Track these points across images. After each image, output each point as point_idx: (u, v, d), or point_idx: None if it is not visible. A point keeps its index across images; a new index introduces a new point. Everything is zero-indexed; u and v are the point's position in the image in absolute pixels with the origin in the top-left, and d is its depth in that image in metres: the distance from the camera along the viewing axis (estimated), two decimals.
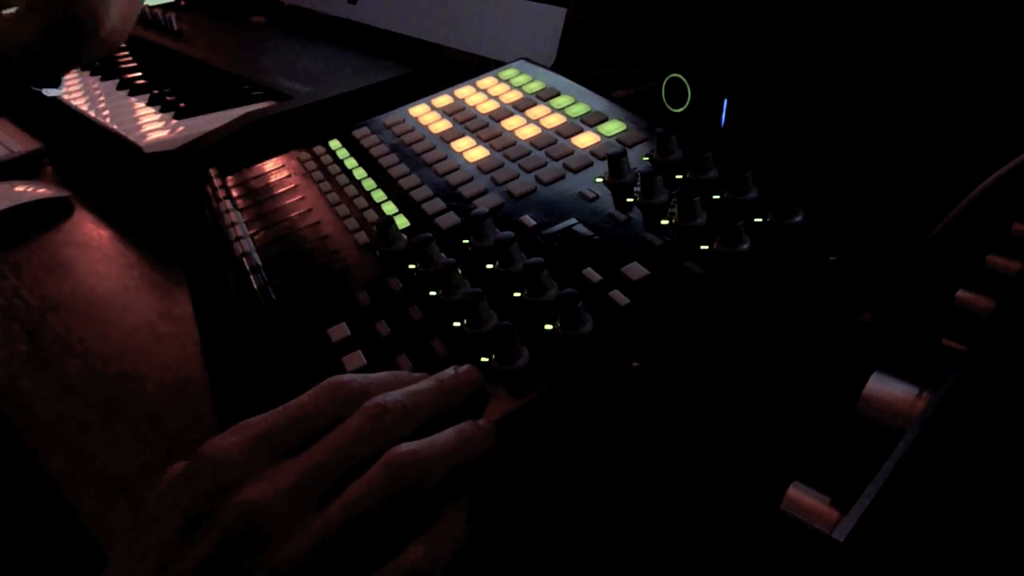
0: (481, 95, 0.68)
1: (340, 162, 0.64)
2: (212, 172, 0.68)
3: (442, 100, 0.69)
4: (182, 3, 1.31)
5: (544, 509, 0.37)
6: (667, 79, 0.63)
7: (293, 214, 0.59)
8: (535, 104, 0.63)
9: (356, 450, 0.31)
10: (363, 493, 0.29)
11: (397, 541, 0.30)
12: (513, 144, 0.59)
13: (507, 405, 0.36)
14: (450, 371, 0.36)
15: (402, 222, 0.54)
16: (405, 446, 0.31)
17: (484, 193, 0.54)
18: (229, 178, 0.67)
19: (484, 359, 0.39)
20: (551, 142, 0.57)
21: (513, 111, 0.63)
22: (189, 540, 0.28)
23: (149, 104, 0.90)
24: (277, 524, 0.28)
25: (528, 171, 0.55)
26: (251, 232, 0.58)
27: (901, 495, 0.26)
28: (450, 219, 0.52)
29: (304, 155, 0.67)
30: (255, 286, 0.51)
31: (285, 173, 0.65)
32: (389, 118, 0.69)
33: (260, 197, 0.63)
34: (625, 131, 0.56)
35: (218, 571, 0.28)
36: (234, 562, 0.28)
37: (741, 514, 0.34)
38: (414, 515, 0.30)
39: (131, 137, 0.79)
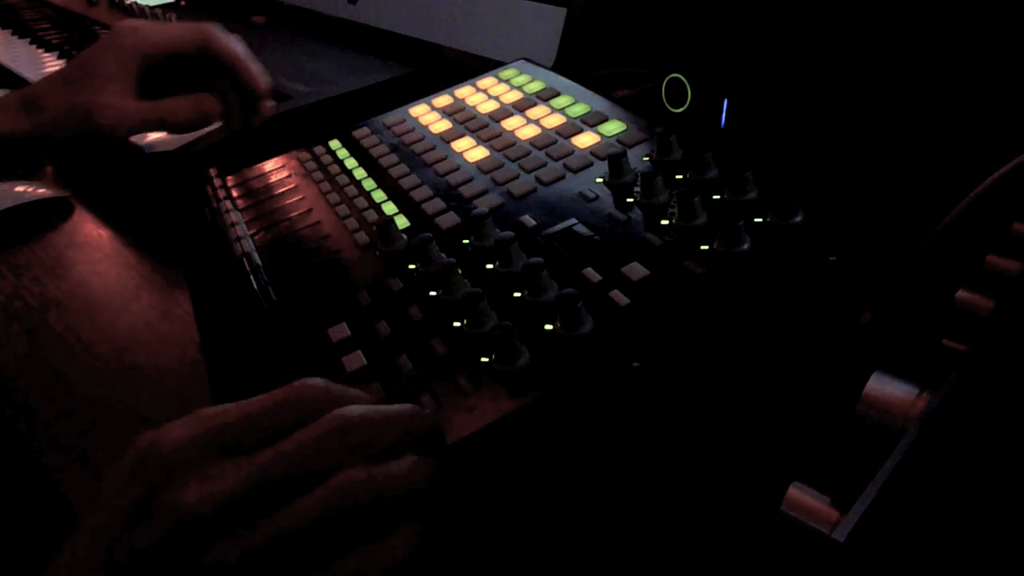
0: (481, 95, 0.68)
1: (340, 162, 0.64)
2: (212, 172, 0.68)
3: (442, 100, 0.69)
4: (182, 3, 1.32)
5: (544, 509, 0.37)
6: (667, 79, 0.63)
7: (293, 214, 0.59)
8: (535, 104, 0.63)
9: (309, 463, 0.30)
10: (307, 511, 0.29)
11: (339, 549, 0.29)
12: (513, 144, 0.59)
13: (507, 405, 0.36)
14: (409, 406, 0.34)
15: (402, 222, 0.54)
16: (359, 472, 0.30)
17: (484, 193, 0.54)
18: (229, 178, 0.67)
19: (484, 359, 0.39)
20: (551, 142, 0.57)
21: (513, 111, 0.63)
22: (131, 533, 0.28)
23: None
24: (213, 527, 0.28)
25: (528, 171, 0.55)
26: (251, 232, 0.58)
27: (901, 495, 0.26)
28: (450, 219, 0.52)
29: (304, 155, 0.67)
30: (255, 286, 0.51)
31: (285, 173, 0.65)
32: (389, 118, 0.69)
33: (260, 197, 0.63)
34: (625, 131, 0.56)
35: (152, 569, 0.28)
36: (167, 562, 0.28)
37: (741, 514, 0.34)
38: (360, 531, 0.30)
39: (131, 137, 0.79)
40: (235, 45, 0.68)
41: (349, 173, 0.62)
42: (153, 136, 0.79)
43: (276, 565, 0.28)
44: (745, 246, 0.41)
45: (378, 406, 0.32)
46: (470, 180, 0.56)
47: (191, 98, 0.66)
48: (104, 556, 0.28)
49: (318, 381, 0.32)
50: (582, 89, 0.63)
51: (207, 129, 0.71)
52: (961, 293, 0.32)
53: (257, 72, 0.68)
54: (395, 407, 0.33)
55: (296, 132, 0.74)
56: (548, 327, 0.39)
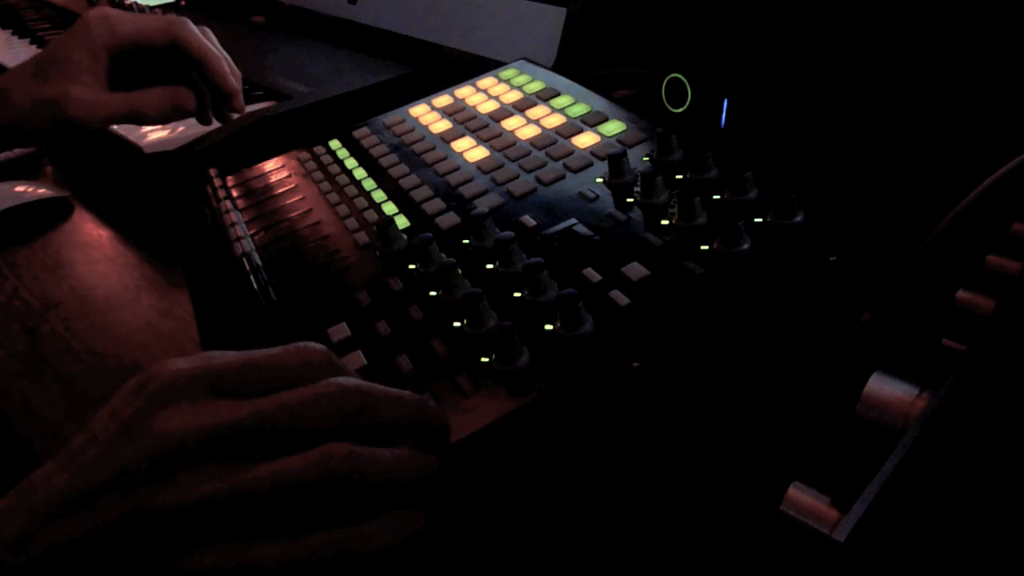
0: (481, 95, 0.68)
1: (340, 162, 0.64)
2: (212, 172, 0.68)
3: (442, 100, 0.69)
4: (182, 3, 1.32)
5: (544, 509, 0.37)
6: (667, 79, 0.63)
7: (293, 214, 0.59)
8: (535, 104, 0.63)
9: (300, 419, 0.29)
10: (287, 473, 0.28)
11: (306, 525, 0.29)
12: (513, 144, 0.59)
13: (507, 405, 0.36)
14: (418, 396, 0.34)
15: (402, 222, 0.54)
16: (344, 445, 0.29)
17: (484, 193, 0.54)
18: (229, 178, 0.67)
19: (484, 359, 0.39)
20: (551, 142, 0.57)
21: (513, 111, 0.63)
22: (113, 451, 0.28)
23: None
24: (187, 461, 0.28)
25: (528, 171, 0.55)
26: (251, 232, 0.58)
27: (901, 495, 0.26)
28: (450, 219, 0.52)
29: (304, 155, 0.67)
30: (255, 286, 0.51)
31: (285, 173, 0.65)
32: (389, 118, 0.69)
33: (260, 197, 0.63)
34: (625, 131, 0.56)
35: (125, 488, 0.28)
36: (137, 487, 0.27)
37: (741, 514, 0.34)
38: (335, 510, 0.29)
39: (131, 137, 0.79)
40: (205, 41, 0.66)
41: (349, 173, 0.62)
42: (153, 136, 0.79)
43: (239, 519, 0.28)
44: (745, 246, 0.41)
45: (380, 387, 0.32)
46: (470, 180, 0.56)
47: (165, 90, 0.65)
48: (81, 475, 0.28)
49: (321, 346, 0.32)
50: (582, 89, 0.63)
51: (207, 129, 0.72)
52: (961, 293, 0.32)
53: (226, 70, 0.67)
54: (397, 390, 0.33)
55: (296, 132, 0.74)
56: (548, 327, 0.40)
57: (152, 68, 0.67)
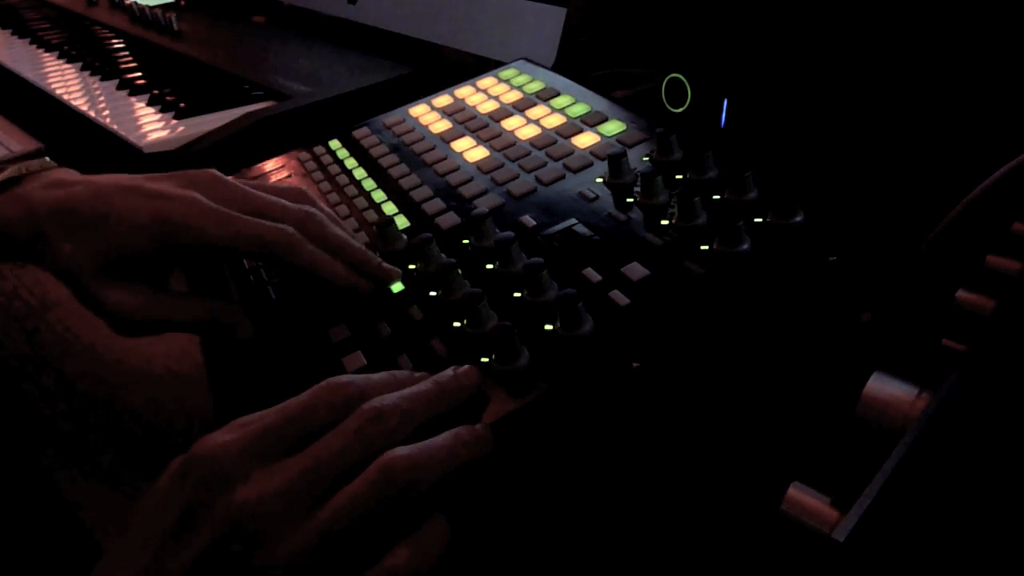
0: (481, 95, 0.68)
1: (340, 162, 0.64)
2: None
3: (442, 100, 0.69)
4: (182, 3, 1.31)
5: (544, 509, 0.37)
6: (667, 79, 0.63)
7: None
8: (535, 104, 0.63)
9: (351, 454, 0.30)
10: (356, 497, 0.29)
11: (385, 542, 0.30)
12: (513, 144, 0.59)
13: (507, 405, 0.36)
14: (449, 372, 0.36)
15: (402, 222, 0.54)
16: (400, 450, 0.31)
17: (484, 193, 0.54)
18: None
19: (484, 359, 0.39)
20: (551, 142, 0.57)
21: (513, 111, 0.63)
22: (182, 539, 0.28)
23: (149, 104, 0.90)
24: (268, 525, 0.28)
25: (528, 171, 0.55)
26: None
27: (901, 495, 0.26)
28: (450, 219, 0.52)
29: (304, 155, 0.67)
30: (255, 286, 0.51)
31: (285, 173, 0.65)
32: (389, 118, 0.69)
33: None
34: (625, 131, 0.56)
35: (210, 570, 0.28)
36: (226, 561, 0.28)
37: (741, 514, 0.34)
38: (404, 517, 0.31)
39: (131, 137, 0.79)
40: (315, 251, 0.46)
41: (349, 173, 0.62)
42: (153, 136, 0.79)
43: (327, 562, 0.29)
44: (745, 246, 0.41)
45: (409, 389, 0.33)
46: (470, 180, 0.56)
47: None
48: (151, 570, 0.28)
49: (343, 378, 0.33)
50: (582, 89, 0.63)
51: (207, 129, 0.71)
52: (961, 293, 0.32)
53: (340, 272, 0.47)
54: (429, 383, 0.34)
55: (296, 132, 0.74)
56: (548, 327, 0.39)
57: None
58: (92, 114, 0.88)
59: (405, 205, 0.56)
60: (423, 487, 0.30)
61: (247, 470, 0.29)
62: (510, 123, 0.62)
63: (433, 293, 0.45)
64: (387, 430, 0.31)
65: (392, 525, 0.30)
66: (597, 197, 0.50)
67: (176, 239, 0.44)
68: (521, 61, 0.71)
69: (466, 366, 0.36)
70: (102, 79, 1.01)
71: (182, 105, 0.86)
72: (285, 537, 0.28)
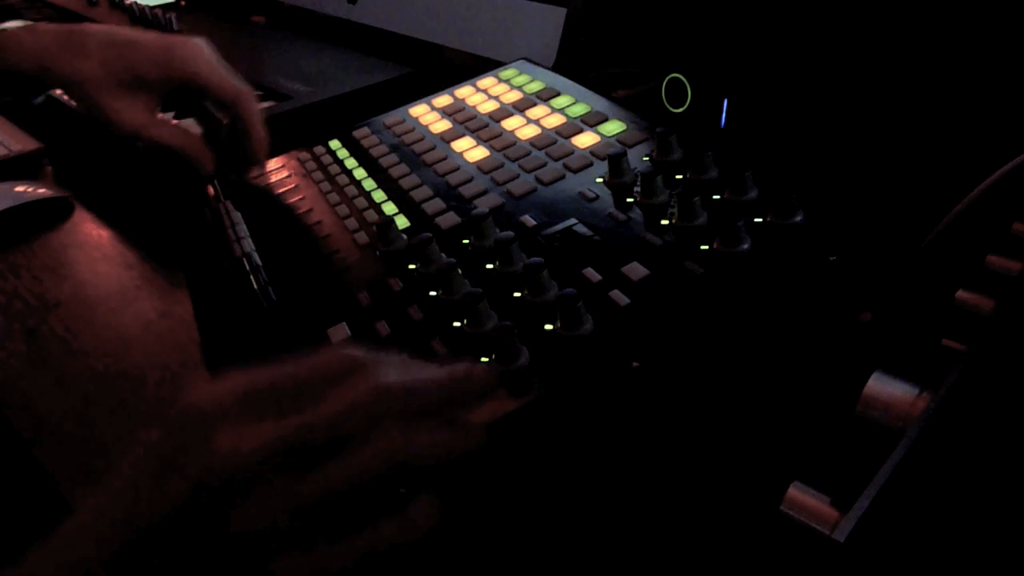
0: (481, 95, 0.68)
1: (340, 162, 0.64)
2: None
3: (442, 100, 0.69)
4: (182, 3, 1.31)
5: (544, 508, 0.37)
6: (667, 79, 0.63)
7: (293, 214, 0.59)
8: (535, 104, 0.63)
9: (347, 424, 0.29)
10: (354, 469, 0.28)
11: (371, 515, 0.29)
12: (513, 144, 0.59)
13: (507, 405, 0.36)
14: (462, 367, 0.34)
15: (402, 222, 0.54)
16: (399, 432, 0.30)
17: (484, 193, 0.54)
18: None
19: (484, 359, 0.39)
20: (551, 142, 0.57)
21: (513, 111, 0.63)
22: (163, 485, 0.28)
23: None
24: (252, 480, 0.27)
25: (528, 171, 0.55)
26: (251, 232, 0.58)
27: (901, 495, 0.26)
28: (450, 219, 0.52)
29: (304, 155, 0.67)
30: (255, 286, 0.51)
31: (285, 173, 0.65)
32: (389, 118, 0.69)
33: (260, 197, 0.63)
34: (625, 131, 0.56)
35: (188, 519, 0.27)
36: (205, 511, 0.27)
37: (741, 514, 0.34)
38: (391, 496, 0.30)
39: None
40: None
41: (349, 173, 0.62)
42: None
43: (306, 529, 0.28)
44: (745, 246, 0.41)
45: (419, 374, 0.32)
46: (470, 180, 0.56)
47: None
48: (129, 513, 0.28)
49: (353, 349, 0.32)
50: (582, 89, 0.63)
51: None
52: (961, 293, 0.32)
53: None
54: (441, 372, 0.32)
55: (296, 132, 0.74)
56: (548, 327, 0.39)
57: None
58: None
59: (405, 205, 0.56)
60: (416, 470, 0.30)
61: (233, 422, 0.28)
62: (510, 123, 0.62)
63: (433, 293, 0.45)
64: (387, 409, 0.30)
65: (381, 498, 0.29)
66: (597, 197, 0.50)
67: (179, 73, 0.59)
68: (521, 61, 0.71)
69: (485, 364, 0.35)
70: None
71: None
72: (270, 495, 0.27)
